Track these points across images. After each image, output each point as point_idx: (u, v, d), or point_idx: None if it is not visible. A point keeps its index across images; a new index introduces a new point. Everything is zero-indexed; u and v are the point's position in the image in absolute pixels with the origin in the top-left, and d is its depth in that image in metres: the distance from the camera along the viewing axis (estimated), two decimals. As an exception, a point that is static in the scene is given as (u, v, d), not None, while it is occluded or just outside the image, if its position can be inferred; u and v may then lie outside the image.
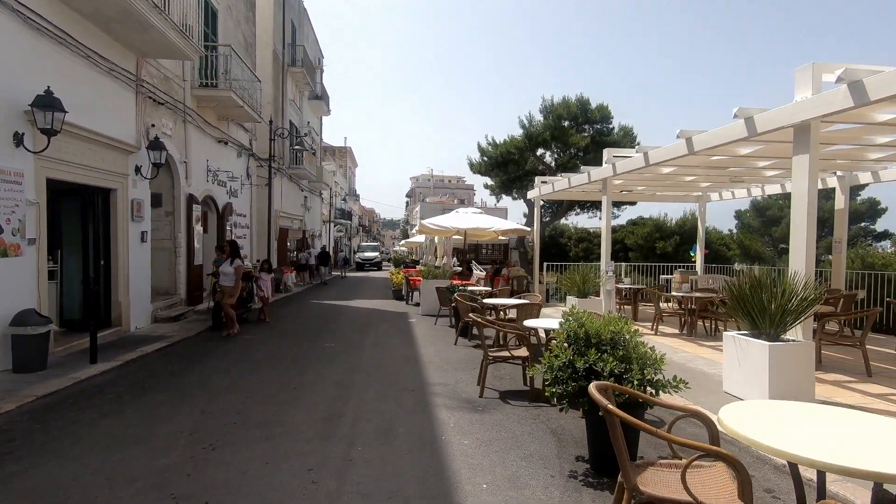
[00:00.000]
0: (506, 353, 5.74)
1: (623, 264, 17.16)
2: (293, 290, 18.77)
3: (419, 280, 14.39)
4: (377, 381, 6.37)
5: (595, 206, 32.25)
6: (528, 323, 5.94)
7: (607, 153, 10.09)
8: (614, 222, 41.98)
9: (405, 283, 15.31)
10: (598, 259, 35.12)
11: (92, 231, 9.03)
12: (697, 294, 9.83)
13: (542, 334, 5.94)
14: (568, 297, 10.47)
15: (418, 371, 6.90)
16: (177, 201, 11.84)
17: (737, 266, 19.50)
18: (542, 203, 32.27)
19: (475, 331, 9.20)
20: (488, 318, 6.79)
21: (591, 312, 4.18)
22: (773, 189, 12.55)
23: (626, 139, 27.84)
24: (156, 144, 9.80)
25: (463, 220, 14.88)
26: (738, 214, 28.39)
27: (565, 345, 4.00)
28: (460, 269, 17.37)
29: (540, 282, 14.56)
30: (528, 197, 15.22)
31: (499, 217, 20.64)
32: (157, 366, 7.23)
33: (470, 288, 10.84)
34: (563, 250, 36.39)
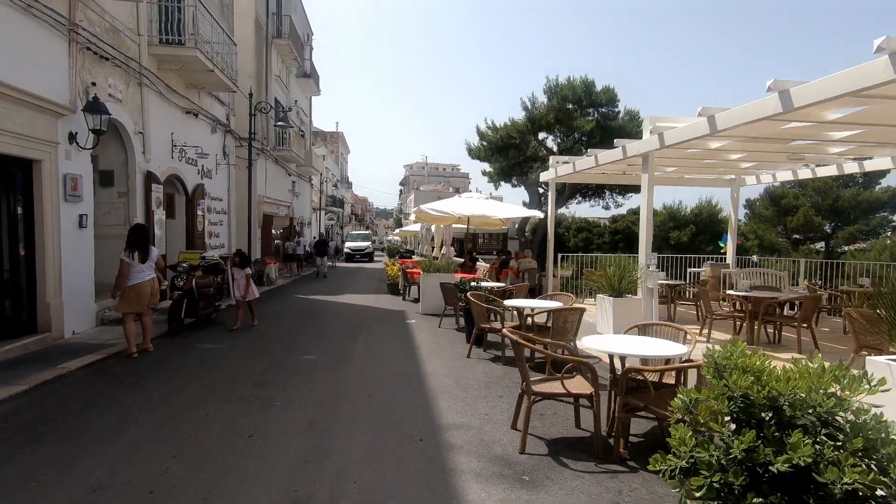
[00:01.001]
0: (558, 389, 3.87)
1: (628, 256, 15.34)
2: (277, 283, 16.81)
3: (418, 273, 12.49)
4: (368, 422, 4.48)
5: (598, 194, 30.45)
6: (595, 345, 4.02)
7: (651, 121, 8.18)
8: (615, 211, 40.04)
9: (402, 276, 13.41)
10: (599, 251, 33.30)
11: (7, 213, 7.02)
12: (757, 293, 8.01)
13: (616, 363, 4.03)
14: (598, 297, 8.61)
15: (426, 402, 5.01)
16: (131, 180, 9.81)
17: (755, 258, 17.74)
18: (543, 188, 30.33)
19: (489, 336, 7.36)
20: (529, 335, 4.86)
21: (761, 352, 2.31)
22: (828, 171, 10.74)
23: (632, 124, 26.09)
24: (95, 106, 7.76)
25: (466, 205, 12.96)
26: (749, 203, 26.65)
27: (704, 411, 2.14)
28: (461, 260, 15.54)
29: (554, 275, 12.70)
30: (542, 179, 13.32)
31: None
32: (74, 392, 5.29)
33: (483, 284, 8.93)
34: (560, 240, 34.67)
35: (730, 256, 13.06)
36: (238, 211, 15.96)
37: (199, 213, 12.65)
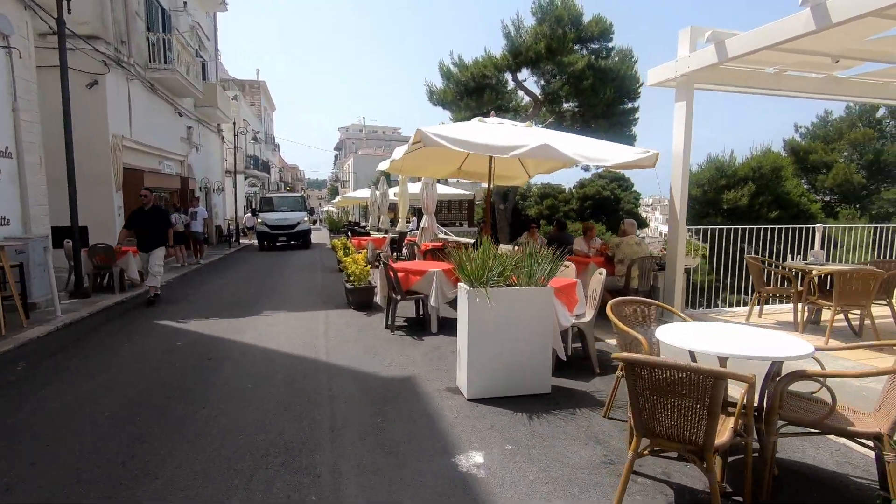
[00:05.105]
0: None
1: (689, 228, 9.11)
2: (144, 286, 8.98)
3: (419, 273, 5.54)
4: None
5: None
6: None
7: None
8: (585, 175, 34.21)
9: (386, 279, 6.19)
10: (566, 219, 26.62)
11: None
12: None
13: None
14: None
15: None
16: None
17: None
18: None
19: None
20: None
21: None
22: None
23: (625, 65, 19.95)
24: None
25: (512, 135, 6.07)
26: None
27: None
28: (471, 241, 8.83)
29: (685, 270, 6.19)
30: (654, 81, 6.40)
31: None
32: None
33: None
34: (514, 209, 28.36)
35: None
36: (51, 155, 7.97)
37: None
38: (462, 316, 3.85)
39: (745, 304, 6.93)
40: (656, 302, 3.50)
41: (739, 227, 6.77)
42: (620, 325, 3.15)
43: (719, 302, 7.03)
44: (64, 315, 6.53)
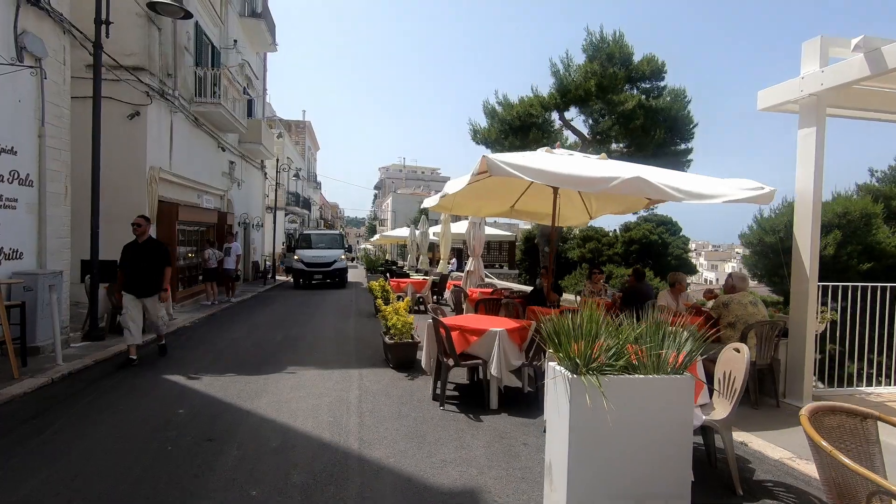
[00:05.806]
0: None
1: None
2: (169, 325, 8.08)
3: (473, 332, 4.34)
4: None
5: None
6: None
7: None
8: (631, 218, 32.59)
9: (431, 334, 5.01)
10: (610, 263, 24.33)
11: None
12: None
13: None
14: None
15: None
16: None
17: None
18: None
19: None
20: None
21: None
22: None
23: (677, 105, 18.74)
24: None
25: (595, 167, 4.97)
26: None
27: None
28: (534, 289, 7.67)
29: (817, 334, 4.78)
30: (775, 101, 5.18)
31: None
32: None
33: None
34: (556, 252, 26.73)
35: None
36: (78, 183, 7.37)
37: None
38: (558, 414, 2.62)
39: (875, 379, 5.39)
40: (879, 414, 2.18)
41: (886, 285, 5.31)
42: (841, 456, 1.86)
43: (841, 375, 5.49)
44: (65, 364, 5.64)
